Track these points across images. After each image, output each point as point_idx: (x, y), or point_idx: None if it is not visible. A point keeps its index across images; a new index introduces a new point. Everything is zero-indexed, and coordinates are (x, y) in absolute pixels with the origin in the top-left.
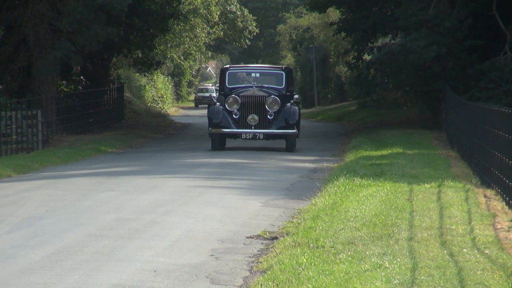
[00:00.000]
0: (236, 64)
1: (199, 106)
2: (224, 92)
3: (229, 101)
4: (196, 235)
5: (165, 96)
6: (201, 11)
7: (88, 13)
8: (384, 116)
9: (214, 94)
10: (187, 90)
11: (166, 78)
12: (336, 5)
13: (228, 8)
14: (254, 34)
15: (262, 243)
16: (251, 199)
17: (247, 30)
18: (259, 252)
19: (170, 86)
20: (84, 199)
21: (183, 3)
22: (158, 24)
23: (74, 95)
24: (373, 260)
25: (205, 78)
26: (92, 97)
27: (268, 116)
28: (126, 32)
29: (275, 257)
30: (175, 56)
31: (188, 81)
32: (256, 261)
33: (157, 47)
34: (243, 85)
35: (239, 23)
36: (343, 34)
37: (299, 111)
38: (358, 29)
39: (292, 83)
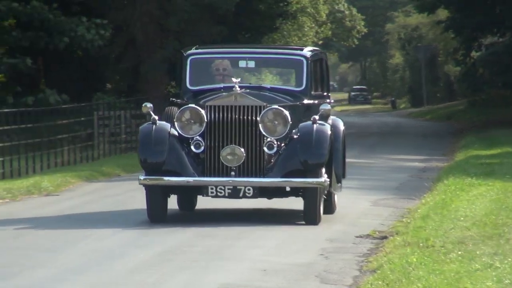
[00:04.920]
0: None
1: None
2: (182, 97)
3: (182, 118)
4: (305, 234)
5: None
6: (309, 10)
7: (196, 13)
8: (493, 115)
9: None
10: None
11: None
12: (445, 5)
13: (336, 7)
14: (363, 33)
15: (371, 243)
16: (360, 199)
17: (355, 29)
18: (368, 252)
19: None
20: None
21: (291, 2)
22: (266, 23)
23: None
24: (483, 259)
25: None
26: None
27: (266, 149)
28: (234, 32)
29: (385, 256)
30: None
31: None
32: (365, 260)
33: None
34: (219, 85)
35: (347, 22)
36: (451, 33)
37: (343, 135)
38: (465, 27)
39: (323, 81)
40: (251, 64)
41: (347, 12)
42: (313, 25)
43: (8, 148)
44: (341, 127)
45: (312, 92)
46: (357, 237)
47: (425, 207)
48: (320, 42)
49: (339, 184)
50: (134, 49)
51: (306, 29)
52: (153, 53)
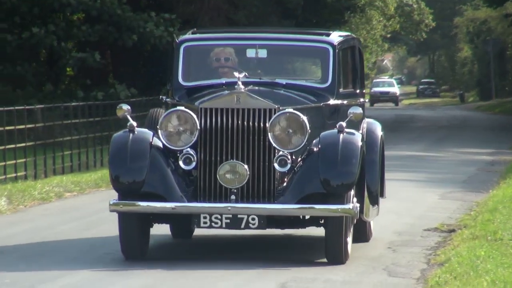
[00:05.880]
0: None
1: (376, 105)
2: (172, 96)
3: (169, 125)
4: (373, 227)
5: None
6: (377, 3)
7: (264, 6)
8: None
9: (393, 89)
10: None
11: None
12: None
13: (404, 1)
14: (431, 27)
15: (439, 236)
16: (428, 192)
17: (423, 23)
18: (436, 245)
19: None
20: None
21: None
22: (333, 17)
23: None
24: None
25: (382, 71)
26: None
27: (277, 166)
28: (301, 25)
29: (452, 249)
30: None
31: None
32: (433, 253)
33: None
34: (220, 81)
35: (416, 15)
36: None
37: (381, 143)
38: None
39: (355, 74)
40: (263, 53)
41: (415, 6)
42: (381, 18)
43: (77, 142)
44: (379, 132)
45: (341, 90)
46: (425, 230)
47: (493, 200)
48: (388, 35)
49: (375, 207)
50: None
51: (374, 23)
52: None
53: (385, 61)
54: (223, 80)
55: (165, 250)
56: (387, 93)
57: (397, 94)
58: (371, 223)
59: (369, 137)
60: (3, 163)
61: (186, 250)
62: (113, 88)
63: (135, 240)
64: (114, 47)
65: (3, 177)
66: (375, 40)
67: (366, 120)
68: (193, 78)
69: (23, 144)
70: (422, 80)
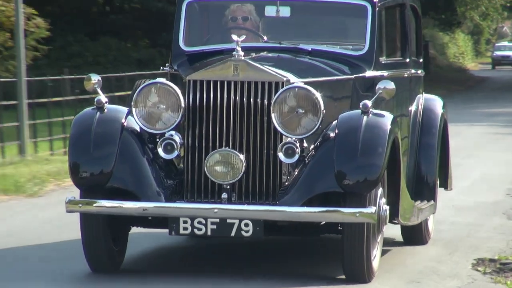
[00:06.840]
0: None
1: (497, 67)
2: (171, 64)
3: (147, 101)
4: (492, 177)
5: (465, 53)
6: None
7: None
8: None
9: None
10: (485, 47)
11: (466, 37)
12: None
13: None
14: None
15: None
16: None
17: None
18: None
19: (470, 44)
20: None
21: None
22: None
23: None
24: None
25: (501, 36)
26: None
27: (282, 156)
28: None
29: None
30: (475, 16)
31: (486, 39)
32: None
33: (458, 9)
34: (233, 46)
35: None
36: None
37: (441, 122)
38: None
39: (405, 40)
40: (285, 11)
41: None
42: None
43: None
44: (438, 110)
45: (381, 59)
46: None
47: None
48: (508, 4)
49: (430, 204)
50: None
51: None
52: None
53: (504, 28)
54: (228, 45)
55: (143, 259)
56: (508, 56)
57: None
58: (431, 219)
59: (425, 116)
60: None
61: (174, 257)
62: None
63: (103, 248)
64: None
65: None
66: (496, 9)
67: (424, 96)
68: (198, 42)
69: None
70: None
